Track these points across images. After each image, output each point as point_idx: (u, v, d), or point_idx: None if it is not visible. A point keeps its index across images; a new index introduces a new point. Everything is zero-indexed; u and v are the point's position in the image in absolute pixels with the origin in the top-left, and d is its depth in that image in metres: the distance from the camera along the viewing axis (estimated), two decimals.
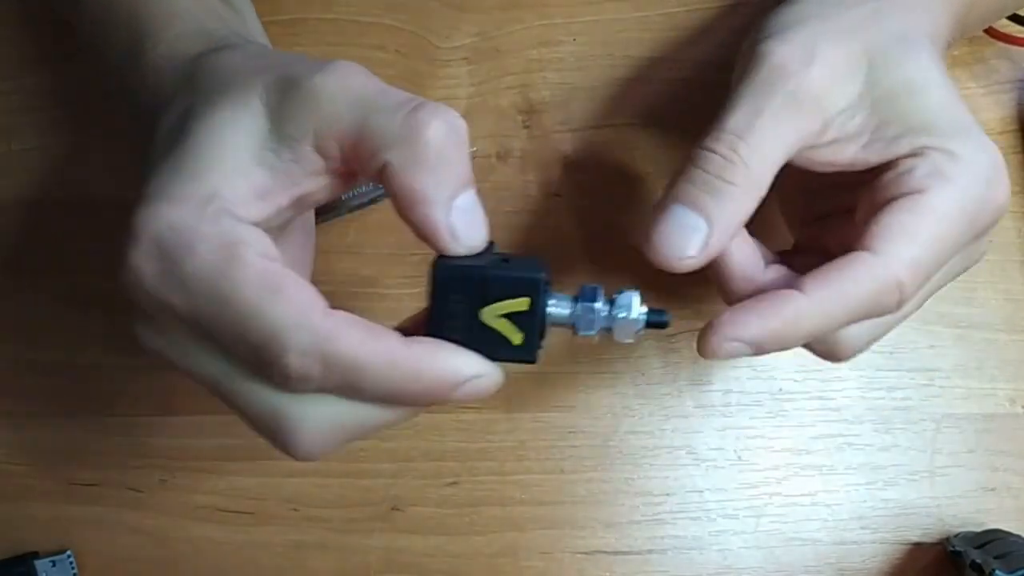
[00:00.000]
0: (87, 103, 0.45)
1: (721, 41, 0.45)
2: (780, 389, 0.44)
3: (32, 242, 0.45)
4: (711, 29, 0.45)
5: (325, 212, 0.43)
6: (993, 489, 0.43)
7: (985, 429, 0.43)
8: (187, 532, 0.44)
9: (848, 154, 0.32)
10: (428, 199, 0.28)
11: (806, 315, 0.30)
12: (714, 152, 0.31)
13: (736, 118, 0.32)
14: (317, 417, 0.29)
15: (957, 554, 0.41)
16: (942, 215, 0.30)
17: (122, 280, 0.29)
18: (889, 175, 0.31)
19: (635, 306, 0.30)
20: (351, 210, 0.44)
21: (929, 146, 0.31)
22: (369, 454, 0.44)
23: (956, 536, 0.42)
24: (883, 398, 0.44)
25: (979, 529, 0.42)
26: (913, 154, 0.31)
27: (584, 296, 0.30)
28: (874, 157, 0.32)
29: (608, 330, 0.30)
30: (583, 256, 0.44)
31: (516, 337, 0.29)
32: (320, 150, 0.29)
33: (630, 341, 0.31)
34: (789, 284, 0.31)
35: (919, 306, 0.33)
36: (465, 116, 0.44)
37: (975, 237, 0.32)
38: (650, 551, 0.43)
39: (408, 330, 0.29)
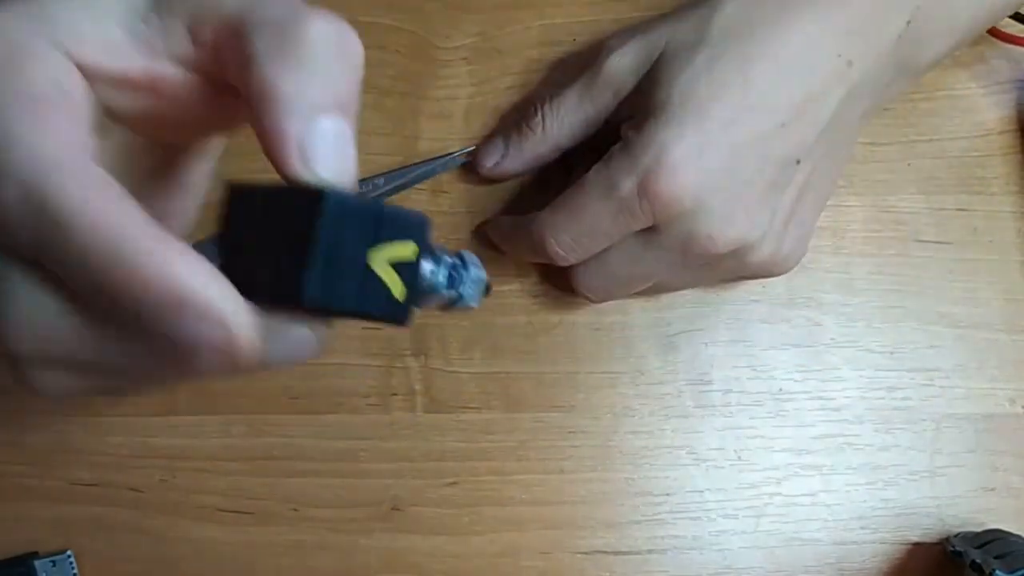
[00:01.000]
0: None
1: None
2: (780, 389, 0.44)
3: None
4: None
5: (398, 181, 0.44)
6: (993, 489, 0.43)
7: (985, 429, 0.43)
8: (187, 532, 0.44)
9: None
10: (284, 102, 0.22)
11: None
12: (529, 109, 0.42)
13: (546, 90, 0.42)
14: (27, 317, 0.23)
15: (957, 554, 0.41)
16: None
17: None
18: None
19: (475, 265, 0.26)
20: (421, 179, 0.44)
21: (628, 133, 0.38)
22: (369, 454, 0.44)
23: (956, 536, 0.42)
24: (883, 398, 0.44)
25: (979, 529, 0.42)
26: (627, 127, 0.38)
27: (469, 262, 0.26)
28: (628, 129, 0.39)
29: (458, 299, 0.26)
30: None
31: (398, 290, 0.23)
32: (194, 33, 0.24)
33: (473, 304, 0.27)
34: None
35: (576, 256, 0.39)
36: (465, 116, 0.45)
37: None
38: (650, 551, 0.43)
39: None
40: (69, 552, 0.43)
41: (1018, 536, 0.41)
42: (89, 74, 0.24)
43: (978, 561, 0.39)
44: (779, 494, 0.43)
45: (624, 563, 0.43)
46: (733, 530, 0.43)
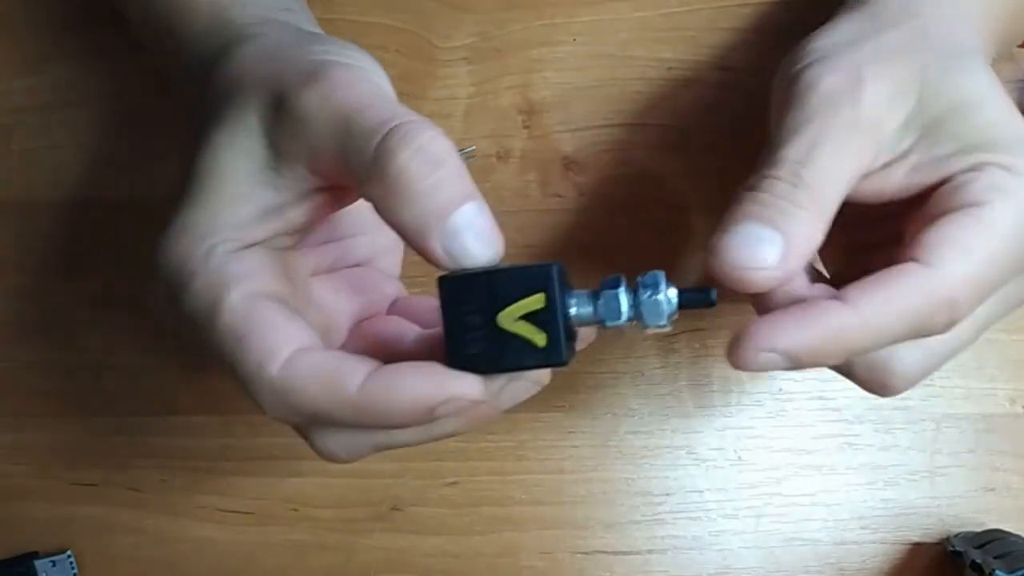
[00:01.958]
0: (89, 103, 0.45)
1: (722, 41, 0.45)
2: (780, 389, 0.44)
3: (31, 242, 0.45)
4: (711, 29, 0.45)
5: None
6: (993, 489, 0.43)
7: (985, 429, 0.43)
8: (187, 532, 0.44)
9: (896, 179, 0.30)
10: (414, 231, 0.27)
11: (849, 328, 0.27)
12: (777, 178, 0.29)
13: (795, 148, 0.29)
14: (325, 437, 0.30)
15: (957, 554, 0.41)
16: (1002, 231, 0.28)
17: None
18: (944, 189, 0.29)
19: (662, 285, 0.28)
20: None
21: (988, 161, 0.29)
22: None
23: (956, 536, 0.42)
24: (883, 398, 0.44)
25: (979, 529, 0.42)
26: (970, 169, 0.29)
27: (605, 286, 0.28)
28: (926, 179, 0.30)
29: (638, 318, 0.28)
30: (583, 257, 0.44)
31: (539, 339, 0.27)
32: (313, 172, 0.29)
33: (664, 326, 0.28)
34: (831, 297, 0.28)
35: (976, 335, 0.31)
36: (465, 116, 0.45)
37: None
38: (650, 551, 0.43)
39: (423, 352, 0.29)
40: (69, 552, 0.43)
41: (1018, 536, 0.41)
42: (261, 242, 0.29)
43: (978, 561, 0.39)
44: (779, 494, 0.43)
45: (624, 563, 0.43)
46: (733, 530, 0.43)
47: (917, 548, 0.43)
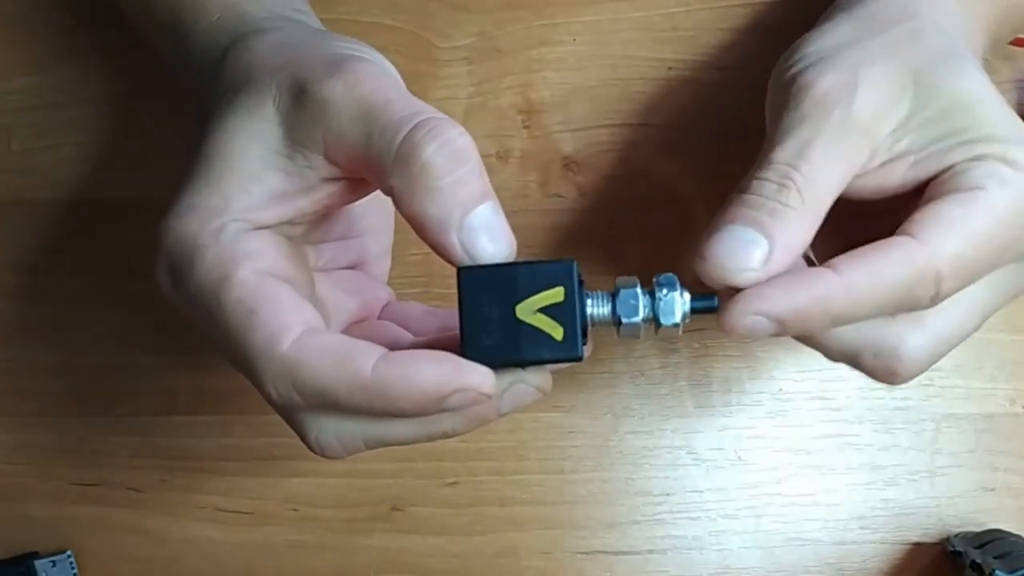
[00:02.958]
0: (88, 103, 0.45)
1: (721, 41, 0.45)
2: (780, 389, 0.44)
3: (31, 242, 0.45)
4: (711, 29, 0.45)
5: None
6: (993, 489, 0.43)
7: (985, 429, 0.43)
8: (187, 532, 0.44)
9: (897, 176, 0.30)
10: (434, 224, 0.27)
11: (835, 294, 0.27)
12: (767, 180, 0.29)
13: (785, 150, 0.30)
14: (321, 427, 0.29)
15: (957, 554, 0.41)
16: (995, 215, 0.28)
17: (156, 286, 0.30)
18: (942, 176, 0.30)
19: (677, 285, 0.29)
20: None
21: (987, 153, 0.29)
22: (369, 454, 0.43)
23: (956, 536, 0.42)
24: (883, 398, 0.44)
25: (979, 529, 0.42)
26: (970, 159, 0.29)
27: (621, 286, 0.29)
28: (926, 172, 0.30)
29: (652, 320, 0.29)
30: (583, 257, 0.44)
31: (557, 332, 0.27)
32: (330, 160, 0.29)
33: (677, 325, 0.29)
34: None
35: (980, 321, 0.32)
36: (465, 116, 0.45)
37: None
38: (650, 551, 0.43)
39: (441, 343, 0.29)
40: (69, 552, 0.43)
41: (1018, 536, 0.41)
42: (271, 226, 0.29)
43: (978, 561, 0.39)
44: (779, 494, 0.43)
45: (624, 563, 0.43)
46: (733, 530, 0.43)
47: (917, 548, 0.43)
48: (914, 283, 0.28)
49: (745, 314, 0.28)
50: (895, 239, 0.28)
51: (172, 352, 0.44)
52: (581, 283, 0.28)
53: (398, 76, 0.32)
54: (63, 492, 0.44)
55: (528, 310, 0.27)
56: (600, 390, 0.44)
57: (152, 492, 0.44)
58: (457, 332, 0.28)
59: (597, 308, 0.29)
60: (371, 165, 0.28)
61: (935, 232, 0.28)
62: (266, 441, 0.44)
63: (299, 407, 0.28)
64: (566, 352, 0.27)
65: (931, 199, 0.29)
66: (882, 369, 0.31)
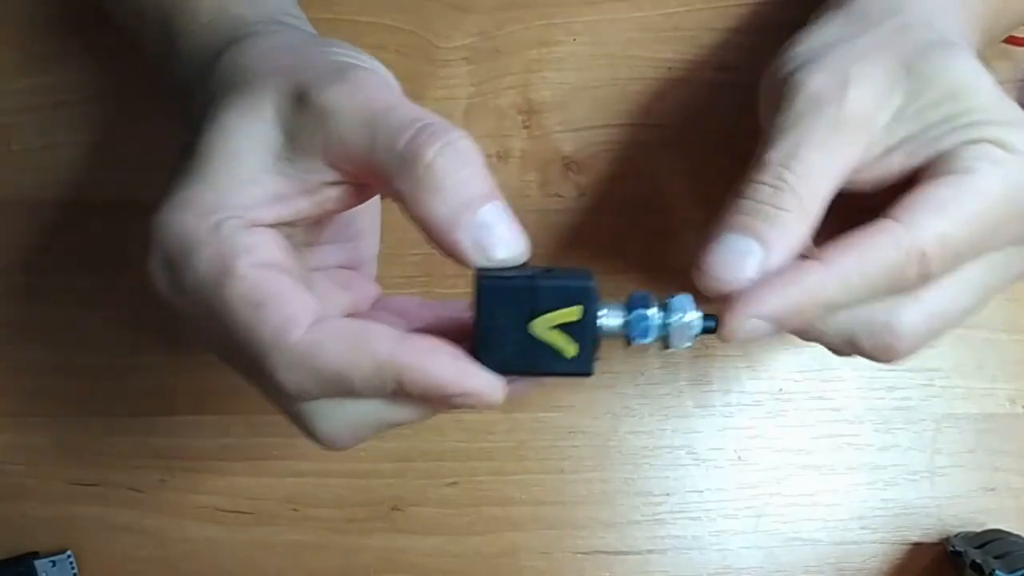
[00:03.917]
0: (88, 103, 0.45)
1: (721, 41, 0.45)
2: (780, 389, 0.44)
3: (31, 242, 0.45)
4: (711, 29, 0.45)
5: None
6: (993, 489, 0.43)
7: (985, 429, 0.43)
8: (187, 532, 0.44)
9: (895, 165, 0.31)
10: (442, 224, 0.27)
11: (827, 284, 0.28)
12: (761, 182, 0.29)
13: (779, 150, 0.30)
14: (330, 416, 0.29)
15: (957, 554, 0.41)
16: (983, 196, 0.29)
17: (147, 283, 0.29)
18: (935, 160, 0.30)
19: (690, 309, 0.29)
20: None
21: (980, 137, 0.29)
22: (369, 454, 0.44)
23: (956, 536, 0.42)
24: (883, 398, 0.44)
25: (979, 529, 0.42)
26: (963, 143, 0.29)
27: (635, 303, 0.29)
28: (920, 160, 0.30)
29: (663, 337, 0.29)
30: (583, 257, 0.44)
31: (570, 349, 0.28)
32: (332, 166, 0.29)
33: (687, 346, 0.29)
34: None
35: (977, 301, 0.31)
36: (465, 116, 0.45)
37: (1021, 238, 0.31)
38: (650, 551, 0.43)
39: (438, 329, 0.29)
40: (69, 552, 0.43)
41: (1018, 536, 0.41)
42: (269, 225, 0.29)
43: (978, 561, 0.39)
44: (779, 494, 0.43)
45: (624, 563, 0.43)
46: (733, 530, 0.43)
47: (917, 548, 0.43)
48: (900, 264, 0.28)
49: (743, 320, 0.28)
50: (879, 222, 0.29)
51: (172, 352, 0.44)
52: (597, 298, 0.28)
53: (397, 84, 0.32)
54: (63, 492, 0.44)
55: (544, 325, 0.27)
56: (600, 390, 0.44)
57: (152, 492, 0.44)
58: (454, 320, 0.29)
59: (609, 320, 0.29)
60: (376, 170, 0.28)
61: (919, 214, 0.28)
62: (266, 441, 0.44)
63: (310, 396, 0.28)
64: (578, 368, 0.28)
65: (919, 182, 0.29)
66: (880, 347, 0.31)
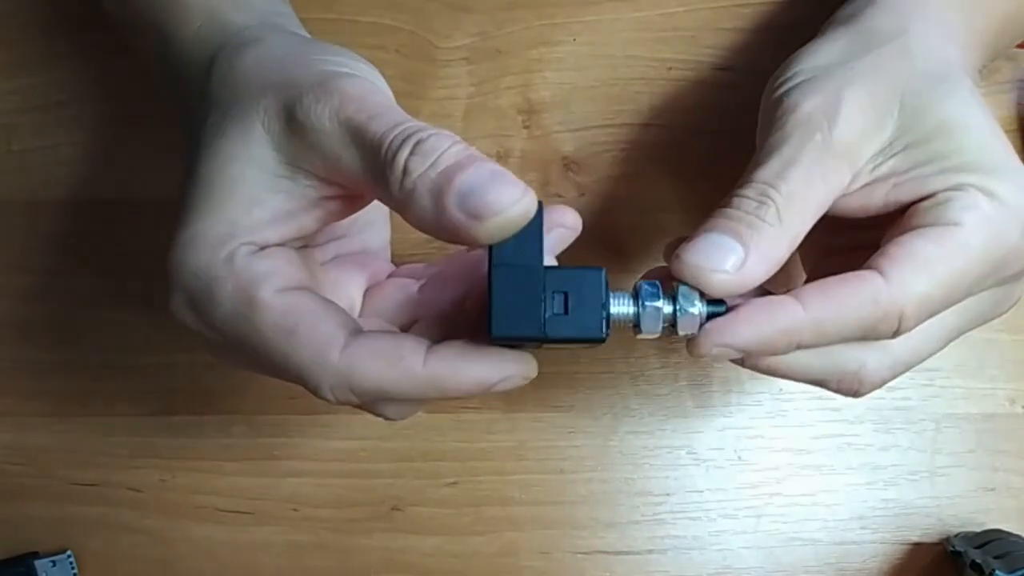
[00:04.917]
0: (88, 103, 0.45)
1: (721, 41, 0.45)
2: (780, 389, 0.44)
3: (30, 242, 0.45)
4: (711, 29, 0.45)
5: None
6: (993, 489, 0.43)
7: (985, 429, 0.43)
8: (187, 532, 0.44)
9: (879, 197, 0.31)
10: (431, 216, 0.27)
11: (800, 327, 0.28)
12: (747, 197, 0.30)
13: (767, 170, 0.30)
14: (383, 408, 0.31)
15: (957, 554, 0.41)
16: (968, 254, 0.29)
17: (174, 319, 0.30)
18: (921, 205, 0.30)
19: (697, 298, 0.29)
20: None
21: (968, 183, 0.29)
22: (369, 454, 0.44)
23: (956, 536, 0.42)
24: (883, 398, 0.44)
25: (979, 529, 0.42)
26: (950, 188, 0.30)
27: (644, 292, 0.29)
28: (907, 195, 0.30)
29: (671, 325, 0.30)
30: (583, 257, 0.44)
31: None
32: (325, 182, 0.29)
33: (693, 333, 0.30)
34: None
35: (944, 344, 0.32)
36: (465, 116, 0.45)
37: (999, 283, 0.31)
38: (650, 551, 0.43)
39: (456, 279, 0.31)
40: (69, 552, 0.43)
41: (1018, 536, 0.41)
42: (284, 242, 0.30)
43: (978, 561, 0.39)
44: (779, 494, 0.43)
45: (624, 563, 0.43)
46: (733, 530, 0.43)
47: (917, 548, 0.43)
48: (877, 319, 0.28)
49: (713, 345, 0.29)
50: (863, 274, 0.29)
51: (172, 352, 0.44)
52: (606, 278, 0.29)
53: (385, 86, 0.32)
54: (63, 492, 0.44)
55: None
56: (600, 390, 0.44)
57: (152, 492, 0.44)
58: (459, 272, 0.32)
59: (619, 308, 0.29)
60: (368, 186, 0.28)
61: (904, 271, 0.28)
62: (266, 441, 0.44)
63: (352, 404, 0.29)
64: (592, 335, 0.28)
65: (906, 230, 0.30)
66: (846, 391, 0.32)
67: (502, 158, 0.44)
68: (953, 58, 0.33)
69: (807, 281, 0.36)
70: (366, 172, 0.28)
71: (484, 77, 0.45)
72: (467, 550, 0.43)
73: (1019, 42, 0.42)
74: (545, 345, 0.29)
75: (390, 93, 0.31)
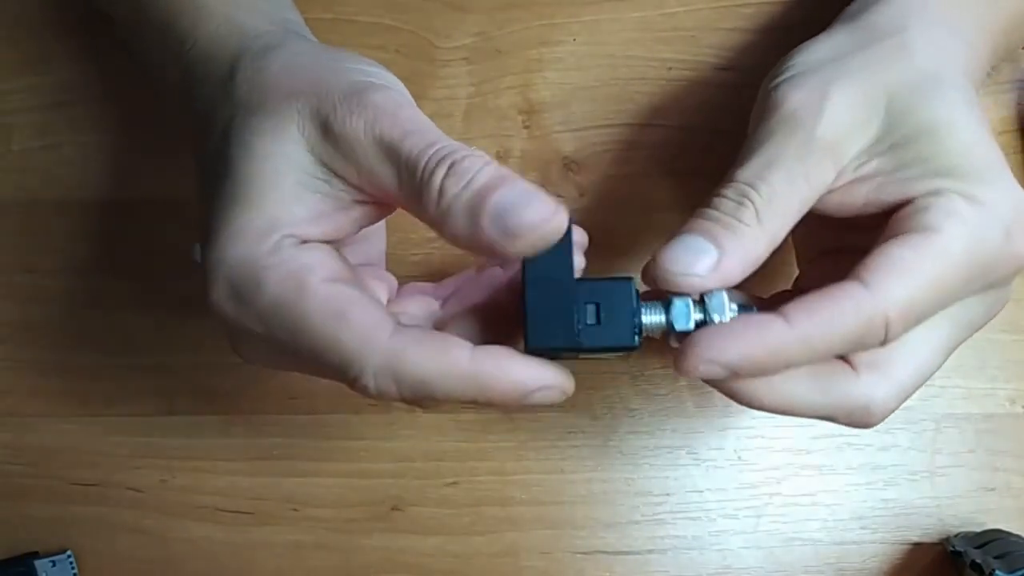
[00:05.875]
0: (89, 103, 0.45)
1: (722, 41, 0.45)
2: None
3: (30, 242, 0.45)
4: (711, 29, 0.45)
5: None
6: (993, 489, 0.43)
7: (985, 429, 0.43)
8: (187, 532, 0.44)
9: (860, 197, 0.31)
10: (470, 238, 0.28)
11: (787, 344, 0.28)
12: (726, 197, 0.30)
13: (747, 169, 0.30)
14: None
15: (957, 554, 0.41)
16: (949, 259, 0.29)
17: (211, 313, 0.30)
18: (902, 211, 0.30)
19: (727, 305, 0.30)
20: None
21: (949, 188, 0.29)
22: (369, 454, 0.44)
23: (956, 536, 0.42)
24: None
25: (979, 529, 0.42)
26: (931, 193, 0.30)
27: (674, 303, 0.30)
28: (888, 198, 0.30)
29: (704, 314, 0.30)
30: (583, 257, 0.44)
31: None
32: (358, 189, 0.30)
33: (724, 321, 0.30)
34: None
35: (943, 360, 0.32)
36: (465, 116, 0.45)
37: (986, 287, 0.31)
38: (650, 551, 0.43)
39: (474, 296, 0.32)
40: (69, 552, 0.43)
41: (1018, 536, 0.41)
42: (320, 239, 0.30)
43: (978, 561, 0.39)
44: (779, 494, 0.43)
45: (624, 563, 0.43)
46: (733, 530, 0.43)
47: (917, 548, 0.43)
48: (864, 329, 0.28)
49: (699, 361, 0.29)
50: (844, 286, 0.29)
51: (172, 352, 0.44)
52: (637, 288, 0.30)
53: (410, 98, 0.32)
54: (63, 492, 0.44)
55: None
56: (600, 390, 0.44)
57: (152, 492, 0.44)
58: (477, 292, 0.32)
59: (650, 317, 0.30)
60: (405, 202, 0.29)
61: (884, 279, 0.28)
62: (266, 441, 0.44)
63: (392, 399, 0.29)
64: (625, 343, 0.29)
65: (887, 238, 0.29)
66: (857, 423, 0.32)
67: (502, 158, 0.44)
68: (956, 56, 0.32)
69: (799, 280, 0.36)
70: (401, 188, 0.29)
71: (484, 77, 0.45)
72: (467, 550, 0.43)
73: None
74: (580, 356, 0.30)
75: (416, 107, 0.32)
